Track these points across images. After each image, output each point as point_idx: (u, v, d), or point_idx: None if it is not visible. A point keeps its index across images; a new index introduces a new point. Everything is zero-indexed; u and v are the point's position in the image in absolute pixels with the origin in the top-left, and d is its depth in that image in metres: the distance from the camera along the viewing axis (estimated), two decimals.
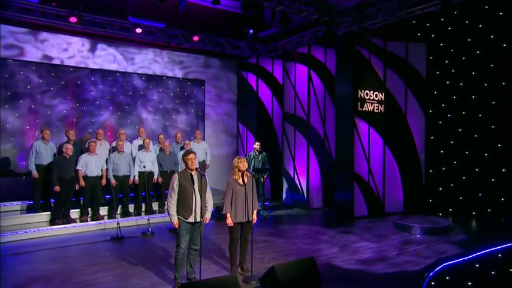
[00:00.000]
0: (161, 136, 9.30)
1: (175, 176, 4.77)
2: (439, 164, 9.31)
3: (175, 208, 4.72)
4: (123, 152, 8.18)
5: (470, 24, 8.77)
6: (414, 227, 7.49)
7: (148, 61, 10.65)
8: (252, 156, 8.83)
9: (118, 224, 6.99)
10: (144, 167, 8.06)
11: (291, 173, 10.40)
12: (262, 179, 8.85)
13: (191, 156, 4.81)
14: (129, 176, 8.18)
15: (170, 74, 11.02)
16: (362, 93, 8.96)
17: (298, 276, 4.50)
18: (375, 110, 9.19)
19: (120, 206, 8.30)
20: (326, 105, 10.21)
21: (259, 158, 8.83)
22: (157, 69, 10.80)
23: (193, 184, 4.78)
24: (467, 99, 8.82)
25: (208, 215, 4.96)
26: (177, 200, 4.72)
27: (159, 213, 8.61)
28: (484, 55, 8.58)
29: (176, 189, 4.71)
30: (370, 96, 9.11)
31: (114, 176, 7.97)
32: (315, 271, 4.68)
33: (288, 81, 10.53)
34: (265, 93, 11.45)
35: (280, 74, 11.34)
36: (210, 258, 5.85)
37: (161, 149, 8.96)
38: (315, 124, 10.03)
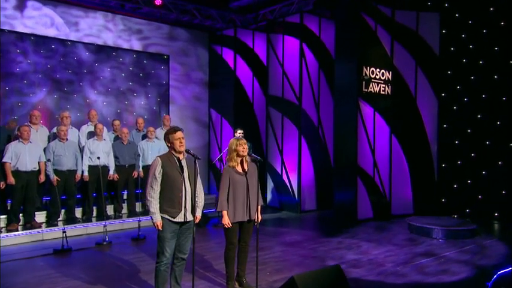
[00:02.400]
0: (117, 122, 8.60)
1: (157, 161, 4.09)
2: (453, 157, 9.14)
3: (158, 204, 4.04)
4: (67, 139, 7.42)
5: None
6: (435, 230, 7.25)
7: (97, 28, 9.68)
8: None
9: (64, 232, 6.16)
10: (98, 158, 7.22)
11: (278, 169, 9.90)
12: None
13: (179, 134, 4.20)
14: (75, 171, 7.45)
15: (125, 45, 10.13)
16: (368, 71, 8.63)
17: None
18: (381, 92, 8.91)
19: (63, 211, 7.53)
20: (320, 86, 9.82)
21: None
22: (109, 38, 9.87)
23: (183, 172, 4.13)
24: (488, 80, 8.70)
25: (199, 213, 4.33)
26: (160, 193, 4.05)
27: (115, 218, 7.84)
28: (509, 27, 8.47)
29: (159, 178, 4.04)
30: (377, 74, 8.80)
31: (56, 171, 7.24)
32: (344, 283, 4.20)
33: (274, 57, 10.02)
34: (244, 72, 10.85)
35: (263, 50, 10.81)
36: (194, 272, 5.19)
37: (117, 138, 8.22)
38: (307, 109, 9.60)
